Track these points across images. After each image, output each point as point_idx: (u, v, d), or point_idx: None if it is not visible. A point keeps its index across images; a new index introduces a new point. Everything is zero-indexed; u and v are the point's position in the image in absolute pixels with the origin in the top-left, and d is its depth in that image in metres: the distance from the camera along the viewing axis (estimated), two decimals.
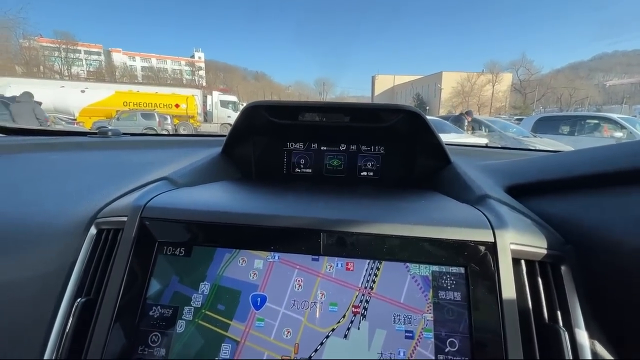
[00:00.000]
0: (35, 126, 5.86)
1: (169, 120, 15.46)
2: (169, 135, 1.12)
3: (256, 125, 0.77)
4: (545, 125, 7.06)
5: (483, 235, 0.43)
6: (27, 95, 5.96)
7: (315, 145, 0.82)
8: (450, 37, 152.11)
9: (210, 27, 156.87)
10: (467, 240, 0.43)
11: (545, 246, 0.45)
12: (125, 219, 0.47)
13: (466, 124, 6.05)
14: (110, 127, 1.07)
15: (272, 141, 0.82)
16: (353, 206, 0.56)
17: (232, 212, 0.47)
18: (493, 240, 0.43)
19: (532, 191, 0.61)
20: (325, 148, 0.82)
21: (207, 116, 20.07)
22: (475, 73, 46.86)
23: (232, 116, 19.84)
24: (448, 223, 0.45)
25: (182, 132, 16.78)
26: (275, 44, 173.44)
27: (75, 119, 13.29)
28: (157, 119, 14.12)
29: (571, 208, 0.52)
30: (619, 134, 5.95)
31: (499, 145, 1.15)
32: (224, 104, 19.85)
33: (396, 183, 0.80)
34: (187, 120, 17.62)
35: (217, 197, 0.58)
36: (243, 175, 0.80)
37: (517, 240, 0.44)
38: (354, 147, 0.81)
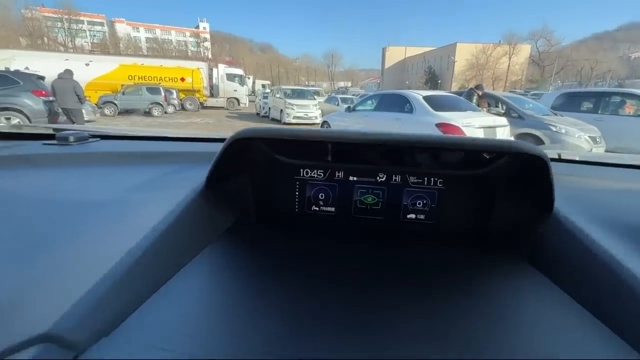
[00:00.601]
0: (74, 101, 6.16)
1: (174, 95, 15.28)
2: (150, 138, 0.92)
3: (253, 159, 0.58)
4: (567, 102, 6.69)
5: None
6: (69, 72, 6.36)
7: (340, 174, 0.60)
8: (467, 5, 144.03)
9: None
10: None
11: None
12: None
13: (475, 98, 5.76)
14: (74, 129, 0.82)
15: (277, 169, 0.61)
16: None
17: None
18: None
19: None
20: (355, 178, 0.59)
21: (213, 90, 19.71)
22: (491, 44, 44.58)
23: (239, 90, 19.52)
24: None
25: (188, 107, 16.61)
26: (282, 14, 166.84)
27: None
28: (163, 94, 13.93)
29: None
30: None
31: (576, 158, 0.86)
32: (230, 77, 19.43)
33: (459, 236, 0.57)
34: (193, 95, 17.37)
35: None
36: (239, 219, 0.58)
37: None
38: (398, 177, 0.58)
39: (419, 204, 0.59)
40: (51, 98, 6.38)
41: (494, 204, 0.55)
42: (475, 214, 0.57)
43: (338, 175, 0.60)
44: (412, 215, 0.59)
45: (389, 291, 0.39)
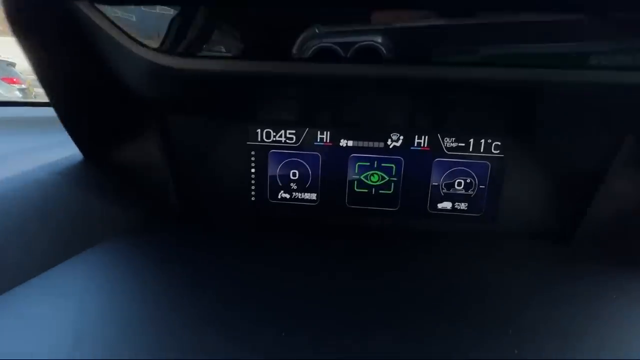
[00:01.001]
0: None
1: None
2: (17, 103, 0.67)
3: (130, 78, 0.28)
4: None
5: None
6: None
7: (325, 136, 0.35)
8: None
9: None
10: None
11: None
12: None
13: None
14: None
15: (211, 124, 0.34)
16: None
17: None
18: None
19: None
20: (350, 143, 0.34)
21: None
22: None
23: None
24: None
25: None
26: None
27: None
28: None
29: None
30: None
31: None
32: None
33: (524, 237, 0.32)
34: None
35: None
36: (153, 212, 0.33)
37: None
38: (424, 138, 0.33)
39: (459, 184, 0.35)
40: (24, 86, 6.04)
41: (602, 180, 0.31)
42: (561, 202, 0.32)
43: (322, 138, 0.35)
44: (447, 204, 0.36)
45: (410, 342, 0.21)
